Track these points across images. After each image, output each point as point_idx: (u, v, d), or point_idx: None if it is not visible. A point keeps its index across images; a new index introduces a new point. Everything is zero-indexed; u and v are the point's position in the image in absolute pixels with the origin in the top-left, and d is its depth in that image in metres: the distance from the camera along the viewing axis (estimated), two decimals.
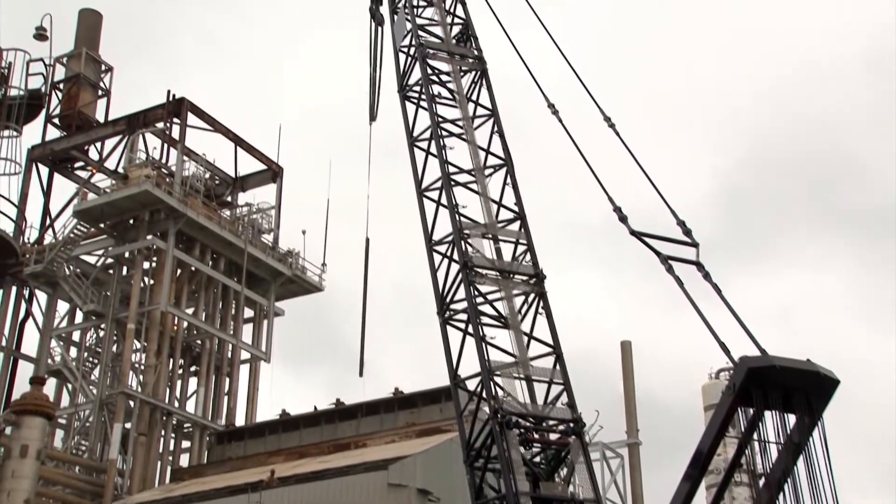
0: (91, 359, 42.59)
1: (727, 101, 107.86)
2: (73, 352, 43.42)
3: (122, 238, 42.45)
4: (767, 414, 16.95)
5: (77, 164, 47.60)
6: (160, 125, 44.61)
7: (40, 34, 46.76)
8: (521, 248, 23.05)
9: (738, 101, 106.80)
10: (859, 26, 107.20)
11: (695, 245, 20.76)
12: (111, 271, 43.11)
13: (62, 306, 44.37)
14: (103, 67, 48.46)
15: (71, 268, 42.94)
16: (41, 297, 44.63)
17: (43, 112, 46.96)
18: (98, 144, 47.11)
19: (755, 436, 16.95)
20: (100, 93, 48.12)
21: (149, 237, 41.58)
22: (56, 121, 47.24)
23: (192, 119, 44.56)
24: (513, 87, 26.08)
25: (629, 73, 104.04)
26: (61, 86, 47.27)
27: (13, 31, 48.75)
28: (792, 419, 17.09)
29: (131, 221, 42.29)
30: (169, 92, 44.44)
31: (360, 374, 26.84)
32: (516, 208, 23.59)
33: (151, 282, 41.95)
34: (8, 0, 53.47)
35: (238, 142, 47.22)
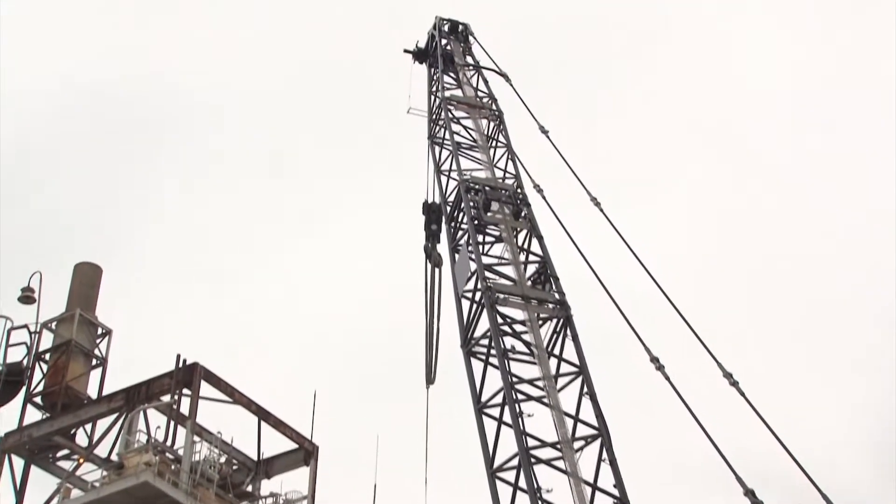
0: None
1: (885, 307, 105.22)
2: None
3: None
4: None
5: (61, 454, 48.47)
6: (166, 398, 45.56)
7: (27, 296, 49.03)
8: None
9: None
10: None
11: None
12: None
13: None
14: (100, 331, 50.25)
15: None
16: None
17: (23, 390, 48.41)
18: (88, 426, 48.10)
19: None
20: (94, 362, 49.65)
21: None
22: (38, 399, 48.57)
23: (205, 388, 45.48)
24: (593, 306, 26.83)
25: (751, 277, 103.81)
26: (47, 356, 49.07)
27: None
28: None
29: None
30: (178, 356, 45.70)
31: None
32: (616, 492, 23.48)
33: None
34: None
35: (262, 415, 47.83)
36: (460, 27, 39.72)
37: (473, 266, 28.03)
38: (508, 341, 26.14)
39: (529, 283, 28.12)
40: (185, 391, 45.37)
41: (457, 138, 33.37)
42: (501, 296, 27.08)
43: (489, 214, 29.97)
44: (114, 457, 44.91)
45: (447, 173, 32.31)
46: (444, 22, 39.84)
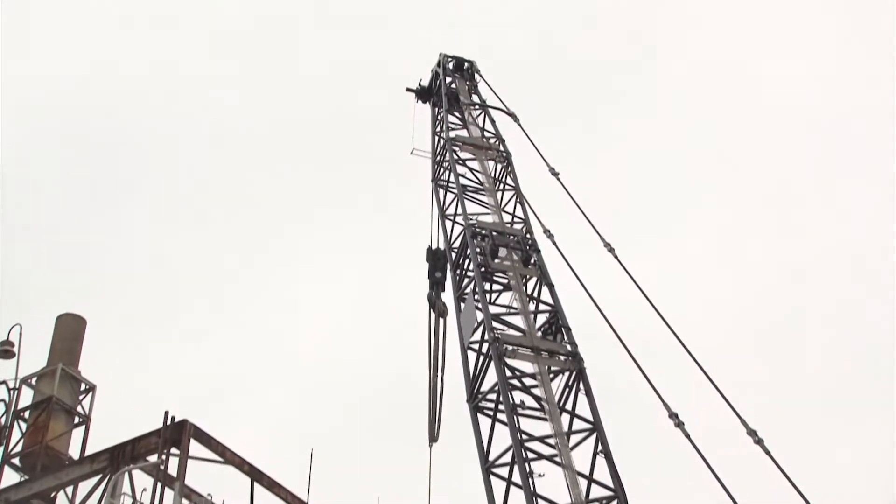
0: None
1: None
2: None
3: None
4: None
5: None
6: (153, 458, 45.23)
7: (5, 350, 48.90)
8: None
9: None
10: None
11: None
12: None
13: None
14: (83, 387, 50.10)
15: None
16: None
17: (0, 451, 48.14)
18: (70, 489, 47.75)
19: None
20: (76, 420, 49.43)
21: None
22: (16, 461, 48.30)
23: (195, 447, 45.16)
24: (606, 356, 26.63)
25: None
26: (27, 414, 48.83)
27: None
28: None
29: None
30: (167, 413, 45.43)
31: None
32: None
33: None
34: None
35: (255, 476, 47.42)
36: (466, 64, 39.73)
37: (480, 316, 27.78)
38: (517, 396, 25.83)
39: (539, 333, 27.86)
40: (174, 450, 45.06)
41: (462, 181, 33.19)
42: (510, 347, 26.76)
43: (497, 261, 29.74)
44: None
45: (452, 218, 32.12)
46: (449, 59, 39.88)
